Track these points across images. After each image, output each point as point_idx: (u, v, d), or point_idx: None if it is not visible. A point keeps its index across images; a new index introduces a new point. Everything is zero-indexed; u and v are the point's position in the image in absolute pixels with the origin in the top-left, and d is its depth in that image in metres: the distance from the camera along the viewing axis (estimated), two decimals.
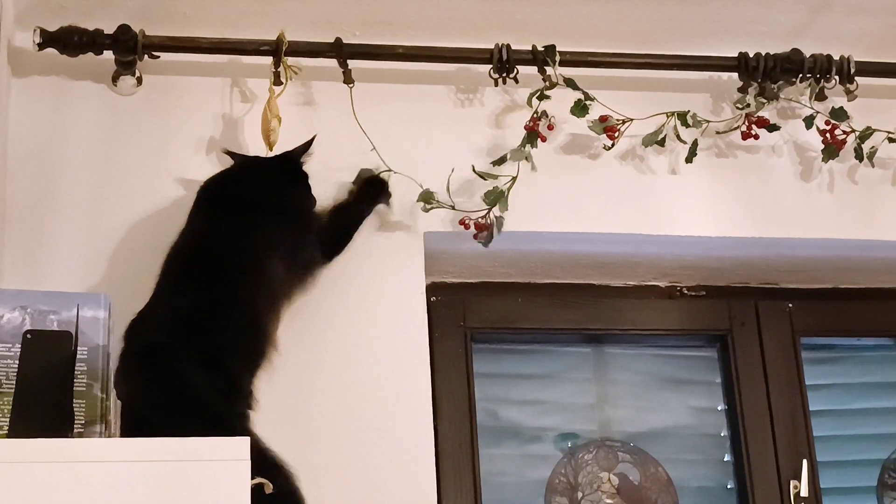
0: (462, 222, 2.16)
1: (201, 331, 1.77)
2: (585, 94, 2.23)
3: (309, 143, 2.09)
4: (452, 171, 2.15)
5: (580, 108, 2.23)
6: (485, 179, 2.17)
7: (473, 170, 2.17)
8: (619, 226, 2.28)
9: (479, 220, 2.15)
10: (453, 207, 2.14)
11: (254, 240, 1.94)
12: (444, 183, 2.15)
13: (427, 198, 2.14)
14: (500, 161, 2.19)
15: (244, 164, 2.09)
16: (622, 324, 2.47)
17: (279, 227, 1.99)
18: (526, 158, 2.18)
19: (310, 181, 2.09)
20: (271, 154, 2.11)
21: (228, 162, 2.11)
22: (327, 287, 2.12)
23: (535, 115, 2.21)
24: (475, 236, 2.15)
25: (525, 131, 2.21)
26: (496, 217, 2.15)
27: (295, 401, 2.01)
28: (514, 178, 2.17)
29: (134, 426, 1.68)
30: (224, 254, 1.90)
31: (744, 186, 2.34)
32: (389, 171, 2.15)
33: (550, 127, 2.23)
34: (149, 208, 2.12)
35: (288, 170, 2.07)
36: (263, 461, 1.67)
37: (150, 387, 1.70)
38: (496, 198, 2.15)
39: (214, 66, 2.24)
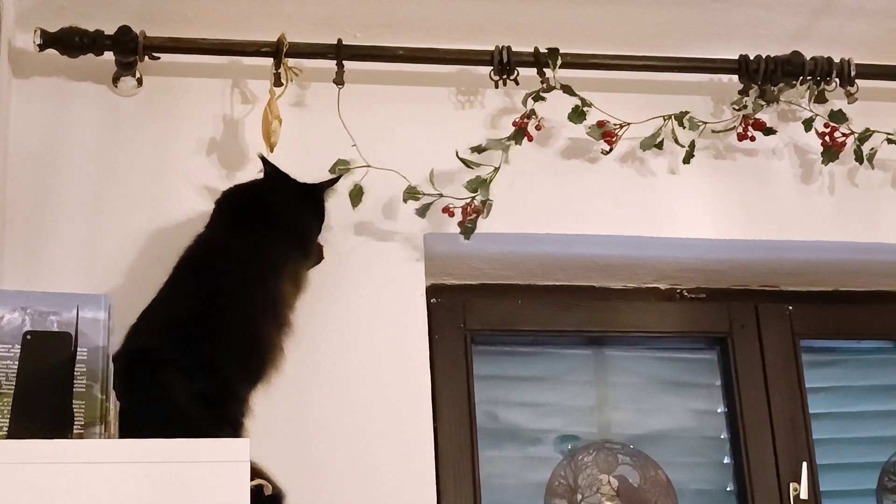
0: (447, 210, 2.15)
1: (195, 336, 1.76)
2: (583, 99, 2.23)
3: (335, 180, 2.09)
4: (432, 170, 2.15)
5: (577, 115, 2.23)
6: (468, 167, 2.16)
7: (457, 155, 2.17)
8: (619, 228, 2.28)
9: (465, 206, 2.14)
10: (441, 195, 2.14)
11: (263, 257, 1.93)
12: (441, 180, 2.15)
13: (413, 194, 2.13)
14: (479, 149, 2.18)
15: (272, 180, 2.07)
16: (622, 326, 2.47)
17: (286, 248, 1.99)
18: (504, 150, 2.17)
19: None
20: (300, 180, 2.10)
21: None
22: (328, 289, 2.12)
23: (524, 115, 2.21)
24: (460, 223, 2.15)
25: (513, 127, 2.20)
26: (483, 201, 2.14)
27: (295, 403, 2.01)
28: (497, 169, 2.16)
29: (127, 428, 1.69)
30: (230, 266, 1.90)
31: (744, 189, 2.34)
32: (368, 167, 2.14)
33: (539, 127, 2.23)
34: (149, 209, 2.12)
35: (311, 200, 2.07)
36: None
37: (132, 391, 1.70)
38: (478, 185, 2.14)
39: (215, 68, 2.24)
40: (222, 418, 1.73)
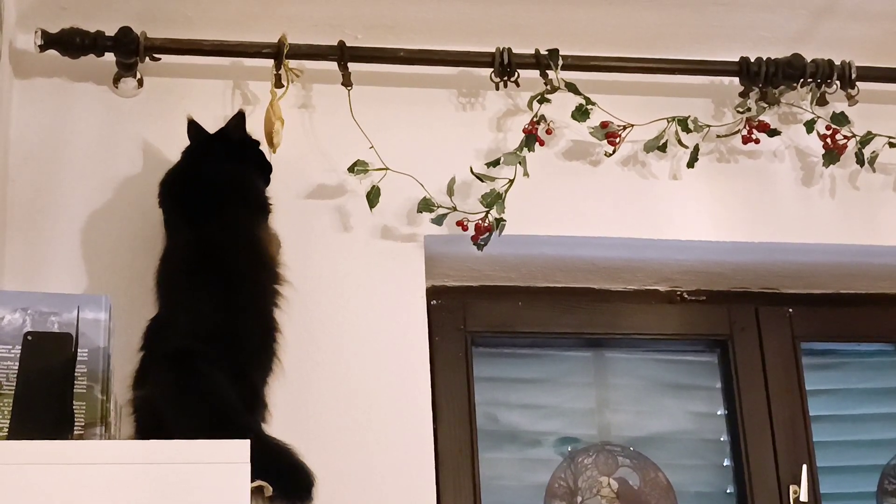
0: (460, 223, 2.15)
1: (226, 340, 1.78)
2: (587, 98, 2.23)
3: (240, 117, 2.08)
4: (454, 177, 2.15)
5: (581, 113, 2.23)
6: (482, 181, 2.16)
7: (471, 171, 2.17)
8: (619, 230, 2.28)
9: (479, 221, 2.14)
10: (455, 209, 2.14)
11: (255, 239, 1.94)
12: (445, 186, 2.15)
13: (427, 206, 2.13)
14: (494, 163, 2.18)
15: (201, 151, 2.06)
16: (622, 328, 2.47)
17: (265, 223, 2.00)
18: (519, 163, 2.17)
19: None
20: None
21: None
22: (328, 290, 2.12)
23: (534, 119, 2.21)
24: (473, 238, 2.15)
25: (523, 134, 2.21)
26: (496, 219, 2.14)
27: (295, 404, 2.00)
28: (511, 181, 2.17)
29: (153, 430, 1.69)
30: (237, 257, 1.90)
31: (745, 191, 2.34)
32: (386, 169, 2.14)
33: (549, 131, 2.23)
34: (150, 210, 2.11)
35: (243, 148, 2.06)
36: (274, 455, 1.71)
37: (180, 390, 1.71)
38: (493, 200, 2.15)
39: (216, 69, 2.24)
40: (257, 423, 1.76)
